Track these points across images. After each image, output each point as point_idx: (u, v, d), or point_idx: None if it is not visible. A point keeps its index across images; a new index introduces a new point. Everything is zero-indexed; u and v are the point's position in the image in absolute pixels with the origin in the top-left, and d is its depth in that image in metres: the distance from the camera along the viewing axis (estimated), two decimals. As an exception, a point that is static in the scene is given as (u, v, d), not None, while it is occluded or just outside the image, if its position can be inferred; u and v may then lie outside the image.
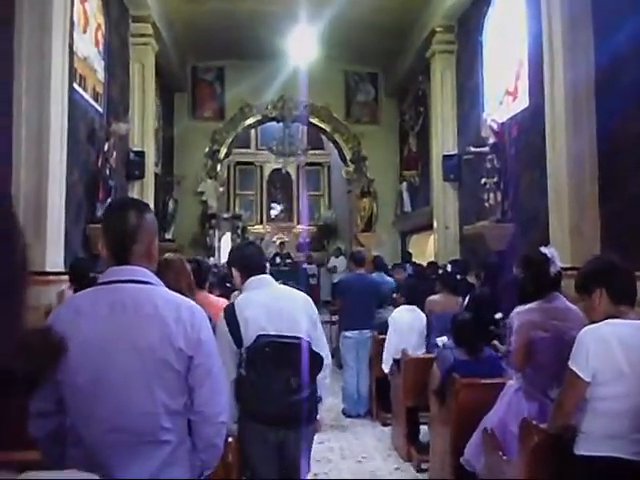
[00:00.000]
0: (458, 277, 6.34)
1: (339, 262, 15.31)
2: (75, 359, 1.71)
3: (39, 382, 0.82)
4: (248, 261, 3.13)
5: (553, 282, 3.28)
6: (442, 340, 4.90)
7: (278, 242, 18.06)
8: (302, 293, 3.20)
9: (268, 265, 3.37)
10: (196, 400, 1.87)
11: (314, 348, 2.89)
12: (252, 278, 3.06)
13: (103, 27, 8.06)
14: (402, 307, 5.77)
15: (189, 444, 1.91)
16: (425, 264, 9.02)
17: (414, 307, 5.71)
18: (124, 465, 1.74)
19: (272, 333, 2.76)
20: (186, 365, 1.84)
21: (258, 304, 2.89)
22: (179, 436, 1.85)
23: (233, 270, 3.17)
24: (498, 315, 3.51)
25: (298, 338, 2.81)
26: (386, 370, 5.57)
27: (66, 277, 4.98)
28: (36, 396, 1.78)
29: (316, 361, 2.85)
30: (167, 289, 1.97)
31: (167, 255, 3.28)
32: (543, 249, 3.34)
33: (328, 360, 3.04)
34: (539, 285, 3.29)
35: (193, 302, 1.98)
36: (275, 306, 2.91)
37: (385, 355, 5.57)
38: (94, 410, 1.76)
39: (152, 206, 9.61)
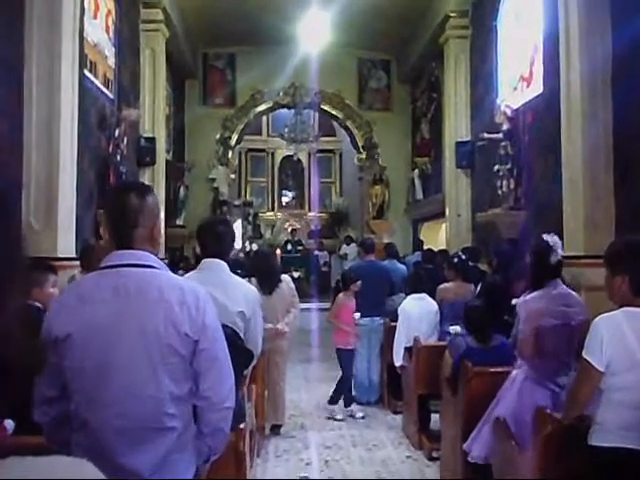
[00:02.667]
0: (470, 264, 6.28)
1: (350, 249, 15.28)
2: (79, 344, 1.72)
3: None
4: (210, 241, 3.12)
5: (554, 270, 3.32)
6: (455, 329, 4.87)
7: (289, 229, 18.07)
8: (250, 287, 3.21)
9: (238, 249, 3.31)
10: (202, 385, 1.86)
11: (247, 343, 2.96)
12: (205, 260, 3.06)
13: (113, 13, 8.03)
14: (411, 296, 5.71)
15: (194, 430, 1.90)
16: (435, 251, 8.97)
17: (424, 295, 5.66)
18: (129, 451, 1.73)
19: None
20: (191, 350, 1.82)
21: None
22: (184, 423, 1.84)
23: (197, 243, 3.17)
24: (515, 301, 3.51)
25: (225, 326, 2.81)
26: (397, 364, 5.53)
27: (77, 263, 4.99)
28: (40, 383, 1.78)
29: (240, 353, 2.85)
30: (171, 273, 1.96)
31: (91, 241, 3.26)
32: (545, 237, 3.35)
33: (257, 354, 3.15)
34: (541, 273, 3.33)
35: (200, 287, 1.96)
36: (213, 292, 2.89)
37: (396, 348, 5.53)
38: (99, 395, 1.75)
39: (163, 192, 9.65)
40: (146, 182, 9.20)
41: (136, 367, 1.76)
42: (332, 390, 6.09)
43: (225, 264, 3.11)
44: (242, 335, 2.98)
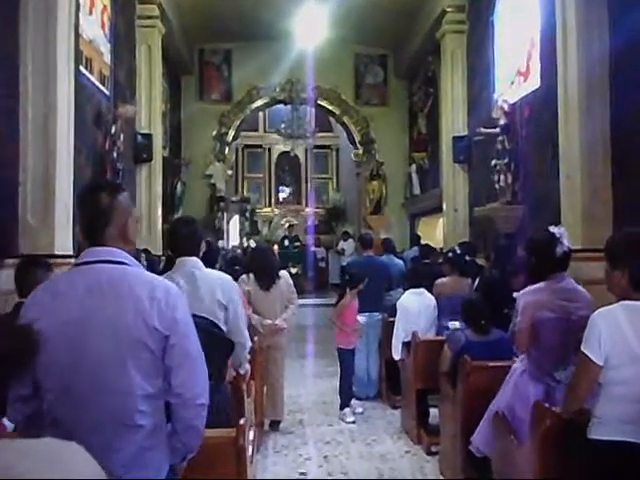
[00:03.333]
0: (467, 259, 6.29)
1: (347, 245, 15.31)
2: (52, 341, 1.72)
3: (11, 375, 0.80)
4: (178, 243, 3.21)
5: (560, 262, 3.23)
6: (454, 325, 4.87)
7: (287, 225, 18.06)
8: (225, 277, 3.27)
9: (205, 246, 3.37)
10: (173, 382, 1.85)
11: (229, 334, 3.04)
12: (179, 259, 3.15)
13: (109, 9, 7.98)
14: (409, 291, 5.73)
15: (167, 428, 1.90)
16: (433, 247, 9.00)
17: (422, 290, 5.67)
18: (100, 448, 1.70)
19: None
20: (162, 345, 1.82)
21: (172, 282, 2.94)
22: (155, 420, 1.83)
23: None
24: (517, 294, 3.47)
25: (201, 317, 2.83)
26: (396, 358, 5.55)
27: (74, 260, 4.97)
28: (14, 381, 1.77)
29: (219, 342, 2.90)
30: (144, 269, 1.97)
31: None
32: (552, 228, 3.29)
33: (243, 343, 3.24)
34: (545, 265, 3.25)
35: (171, 283, 1.97)
36: (188, 288, 2.98)
37: (394, 342, 5.54)
38: (70, 392, 1.76)
39: (160, 189, 9.61)
40: (143, 178, 9.20)
41: (107, 363, 1.77)
42: (338, 396, 6.00)
43: (197, 259, 3.17)
44: (223, 326, 3.05)
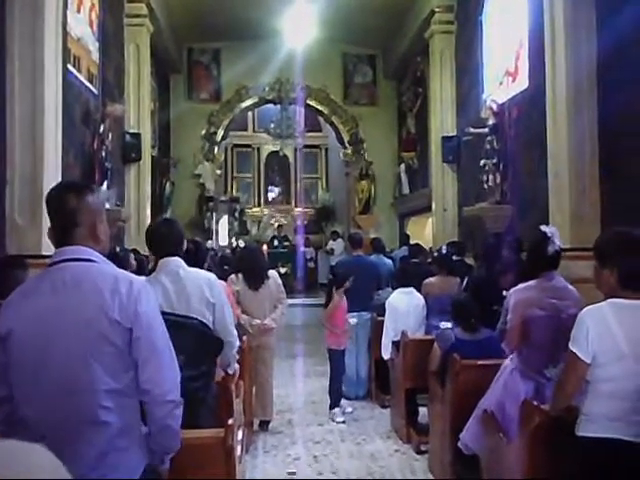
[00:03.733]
0: (455, 258, 6.31)
1: (336, 245, 15.31)
2: (20, 339, 1.74)
3: None
4: (158, 243, 3.17)
5: (551, 260, 3.28)
6: (445, 325, 4.88)
7: (276, 225, 18.04)
8: (211, 276, 3.24)
9: (188, 245, 3.36)
10: (141, 377, 1.84)
11: (217, 333, 3.03)
12: (162, 260, 3.11)
13: (97, 7, 7.93)
14: (398, 291, 5.74)
15: (143, 429, 1.89)
16: (422, 246, 9.02)
17: (411, 289, 5.69)
18: (66, 446, 1.67)
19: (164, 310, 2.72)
20: (126, 339, 1.81)
21: (158, 283, 2.95)
22: (122, 418, 1.81)
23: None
24: (506, 293, 3.51)
25: (190, 317, 2.86)
26: (386, 357, 5.55)
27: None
28: None
29: (209, 342, 2.92)
30: (113, 266, 1.95)
31: None
32: (543, 227, 3.35)
33: (232, 342, 3.23)
34: (536, 263, 3.30)
35: (137, 277, 1.96)
36: (174, 287, 2.98)
37: (384, 341, 5.55)
38: (37, 389, 1.75)
39: (149, 189, 9.55)
40: (132, 178, 9.15)
41: (70, 360, 1.76)
42: (328, 395, 5.99)
43: (180, 259, 3.14)
44: (211, 325, 3.03)
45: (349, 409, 5.97)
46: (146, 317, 1.85)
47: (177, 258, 3.13)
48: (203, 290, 3.05)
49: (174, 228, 3.24)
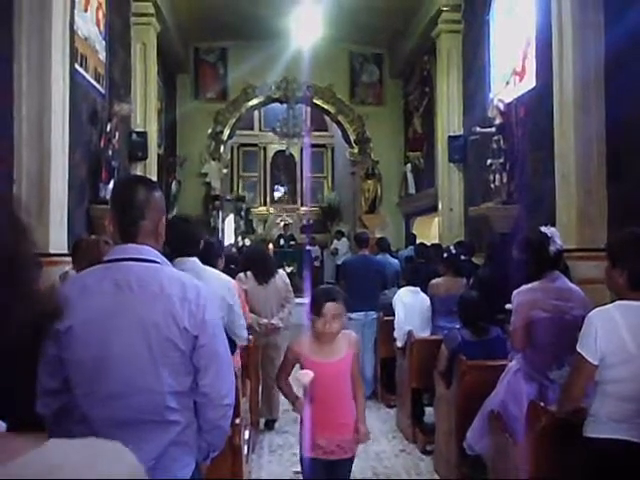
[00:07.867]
0: (463, 258, 6.30)
1: (341, 244, 15.29)
2: (80, 336, 1.72)
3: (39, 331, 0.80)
4: (177, 242, 3.09)
5: (553, 261, 3.27)
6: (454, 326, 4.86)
7: (282, 224, 18.04)
8: (226, 277, 3.26)
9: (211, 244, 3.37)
10: (201, 382, 1.86)
11: (229, 332, 3.00)
12: (178, 259, 3.05)
13: (104, 6, 7.94)
14: (405, 288, 5.74)
15: (196, 425, 1.90)
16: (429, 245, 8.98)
17: (417, 289, 5.68)
18: (130, 444, 1.70)
19: None
20: (191, 345, 1.82)
21: None
22: (187, 417, 1.84)
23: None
24: (508, 306, 3.48)
25: None
26: (400, 344, 5.50)
27: (69, 258, 4.95)
28: (41, 374, 1.77)
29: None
30: (173, 268, 1.95)
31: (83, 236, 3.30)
32: (543, 228, 3.33)
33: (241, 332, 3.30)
34: (539, 265, 3.28)
35: (200, 283, 1.96)
36: None
37: (397, 330, 5.51)
38: (99, 388, 1.75)
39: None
40: (138, 177, 9.15)
41: (135, 360, 1.76)
42: None
43: (196, 258, 3.12)
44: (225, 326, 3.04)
45: None
46: (211, 325, 1.87)
47: (194, 258, 3.12)
48: (221, 291, 3.06)
49: (194, 227, 3.25)
